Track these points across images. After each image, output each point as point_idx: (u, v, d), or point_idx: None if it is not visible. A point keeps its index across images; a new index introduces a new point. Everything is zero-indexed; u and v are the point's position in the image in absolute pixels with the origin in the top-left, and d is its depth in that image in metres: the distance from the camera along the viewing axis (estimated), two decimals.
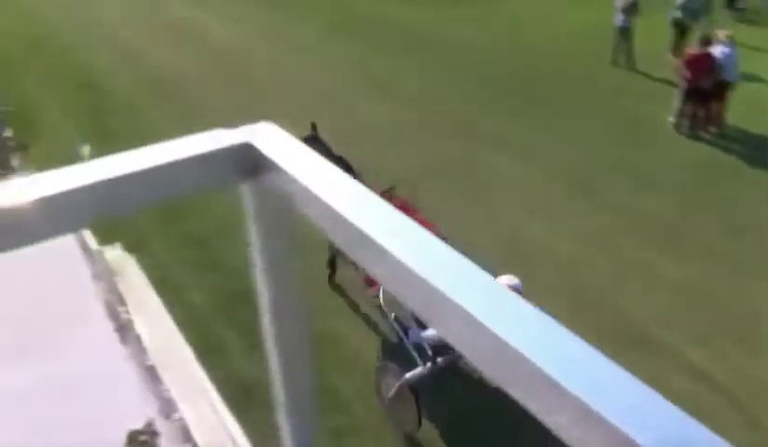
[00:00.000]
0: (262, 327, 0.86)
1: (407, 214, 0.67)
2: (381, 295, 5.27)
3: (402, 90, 12.81)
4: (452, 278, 0.58)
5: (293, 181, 0.72)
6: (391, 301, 5.12)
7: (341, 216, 0.67)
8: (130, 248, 5.40)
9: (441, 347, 4.74)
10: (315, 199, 0.69)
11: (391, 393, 4.93)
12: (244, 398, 5.15)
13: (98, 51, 16.53)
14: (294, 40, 16.02)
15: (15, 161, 9.93)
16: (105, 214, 0.73)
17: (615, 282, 7.06)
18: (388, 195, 6.03)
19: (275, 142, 0.77)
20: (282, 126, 0.82)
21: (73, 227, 0.72)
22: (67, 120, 13.09)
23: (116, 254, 2.61)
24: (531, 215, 8.40)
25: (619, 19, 12.68)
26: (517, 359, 0.50)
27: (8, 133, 10.45)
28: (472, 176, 9.59)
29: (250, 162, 0.76)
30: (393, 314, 5.11)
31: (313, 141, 6.82)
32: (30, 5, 20.94)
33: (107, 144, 11.56)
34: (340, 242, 0.68)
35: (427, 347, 4.84)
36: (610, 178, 9.33)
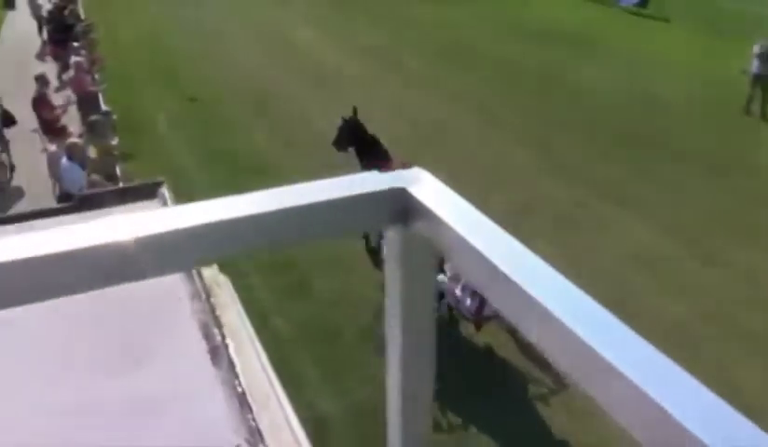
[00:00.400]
0: (387, 374, 0.87)
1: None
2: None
3: (515, 128, 12.73)
4: (619, 349, 0.58)
5: (447, 230, 0.73)
6: None
7: (499, 271, 0.67)
8: (221, 267, 5.91)
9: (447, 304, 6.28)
10: (469, 251, 0.70)
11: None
12: (321, 431, 5.24)
13: (203, 65, 17.58)
14: (405, 67, 16.35)
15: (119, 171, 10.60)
16: (245, 250, 0.75)
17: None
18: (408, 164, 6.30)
19: (429, 188, 0.79)
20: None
21: (208, 261, 0.74)
22: (173, 132, 13.94)
23: (212, 274, 2.69)
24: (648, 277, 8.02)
25: (755, 66, 12.20)
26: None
27: (115, 141, 11.20)
28: (582, 227, 9.32)
29: (401, 207, 0.79)
30: None
31: (352, 123, 8.53)
32: (146, 21, 22.76)
33: (212, 166, 12.17)
34: (493, 298, 0.67)
35: None
36: (742, 242, 8.80)
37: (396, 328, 0.85)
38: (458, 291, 7.32)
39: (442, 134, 12.22)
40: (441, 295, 7.12)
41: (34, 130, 11.34)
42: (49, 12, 21.16)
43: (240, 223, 0.74)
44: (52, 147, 10.26)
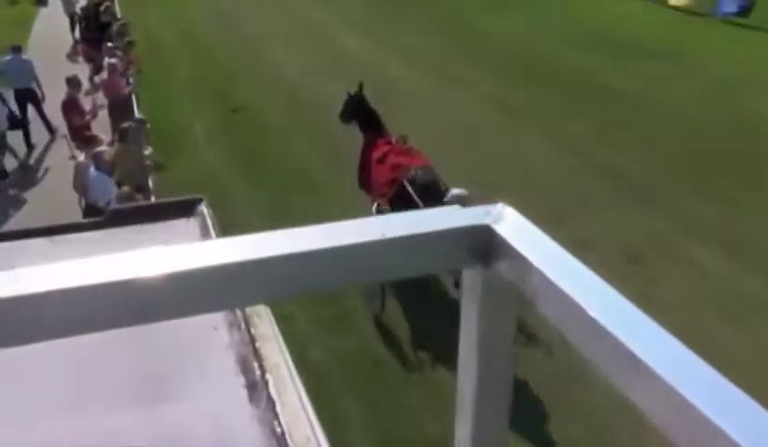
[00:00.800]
0: (456, 425, 0.87)
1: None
2: (374, 210, 8.46)
3: (591, 152, 12.56)
4: (731, 415, 0.59)
5: (534, 272, 0.73)
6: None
7: (595, 322, 0.67)
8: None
9: None
10: (560, 297, 0.70)
11: None
12: None
13: (246, 69, 17.95)
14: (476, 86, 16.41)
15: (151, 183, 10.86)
16: (302, 291, 0.75)
17: None
18: (402, 139, 9.53)
19: (514, 226, 0.79)
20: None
21: (258, 301, 0.74)
22: (212, 142, 14.24)
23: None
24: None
25: None
26: None
27: (148, 151, 11.51)
28: (666, 271, 9.07)
29: (483, 245, 0.79)
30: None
31: (357, 98, 10.14)
32: (187, 19, 23.44)
33: (252, 173, 12.38)
34: (586, 349, 0.67)
35: None
36: None
37: (470, 377, 0.84)
38: None
39: (509, 156, 12.21)
40: None
41: (63, 136, 11.75)
42: (83, 9, 21.87)
43: (297, 260, 0.71)
44: (80, 156, 10.58)
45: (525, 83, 16.31)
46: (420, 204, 7.98)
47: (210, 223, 3.03)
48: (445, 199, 7.95)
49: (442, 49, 19.40)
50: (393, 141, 9.63)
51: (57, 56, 20.22)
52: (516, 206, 0.81)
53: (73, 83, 12.96)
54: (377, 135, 9.83)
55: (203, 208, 3.16)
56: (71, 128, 12.35)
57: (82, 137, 10.83)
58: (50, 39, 20.45)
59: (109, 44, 15.77)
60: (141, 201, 8.66)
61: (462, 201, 7.13)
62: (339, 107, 10.59)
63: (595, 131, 13.72)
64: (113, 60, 14.11)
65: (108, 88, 13.75)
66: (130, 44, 16.77)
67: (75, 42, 21.96)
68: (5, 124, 13.50)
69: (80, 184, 10.01)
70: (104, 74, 14.14)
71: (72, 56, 21.20)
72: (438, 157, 9.64)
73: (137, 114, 12.58)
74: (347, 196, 10.57)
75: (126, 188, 8.77)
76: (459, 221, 0.80)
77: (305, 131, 14.67)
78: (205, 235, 2.97)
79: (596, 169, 12.17)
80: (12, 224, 10.85)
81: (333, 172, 12.43)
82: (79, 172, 9.98)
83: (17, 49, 15.80)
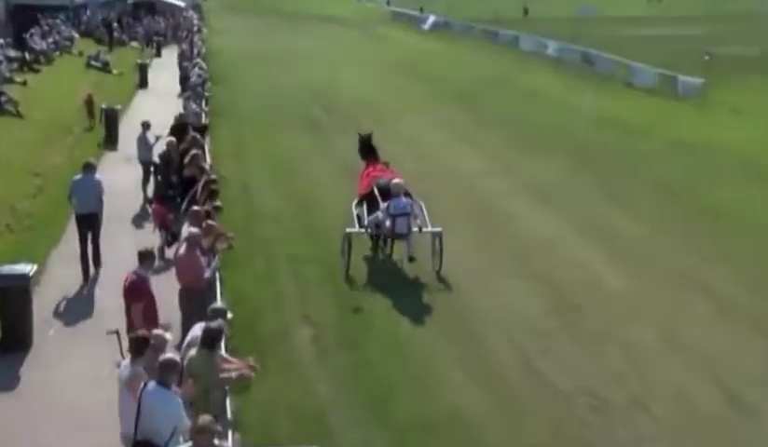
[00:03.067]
0: None
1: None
2: (354, 206, 20.90)
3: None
4: None
5: None
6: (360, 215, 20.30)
7: None
8: None
9: (377, 226, 19.65)
10: None
11: (341, 242, 19.45)
12: None
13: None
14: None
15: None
16: None
17: None
18: (385, 164, 22.00)
19: None
20: None
21: None
22: (319, 358, 14.61)
23: None
24: None
25: None
26: None
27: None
28: None
29: None
30: (357, 213, 20.58)
31: (366, 138, 23.07)
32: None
33: None
34: None
35: (365, 220, 20.06)
36: None
37: None
38: (380, 215, 19.43)
39: None
40: (377, 225, 19.69)
41: (113, 332, 12.19)
42: (161, 156, 23.32)
43: None
44: (125, 363, 10.65)
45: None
46: (380, 199, 19.71)
47: None
48: (391, 191, 19.67)
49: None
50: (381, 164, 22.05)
51: (121, 222, 21.61)
52: None
53: (147, 259, 13.06)
54: (372, 161, 22.21)
55: None
56: (130, 322, 12.53)
57: (138, 344, 10.71)
58: (115, 198, 21.61)
59: (194, 208, 16.25)
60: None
61: (400, 188, 19.67)
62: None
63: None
64: (194, 231, 14.70)
65: (184, 269, 14.22)
66: (218, 209, 17.50)
67: (147, 200, 23.33)
68: None
69: (125, 414, 9.94)
70: (182, 250, 14.45)
71: (139, 219, 22.57)
72: None
73: (219, 303, 12.90)
74: None
75: (206, 418, 8.76)
76: None
77: (463, 360, 14.98)
78: None
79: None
80: None
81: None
82: (134, 387, 9.92)
83: (90, 168, 19.21)
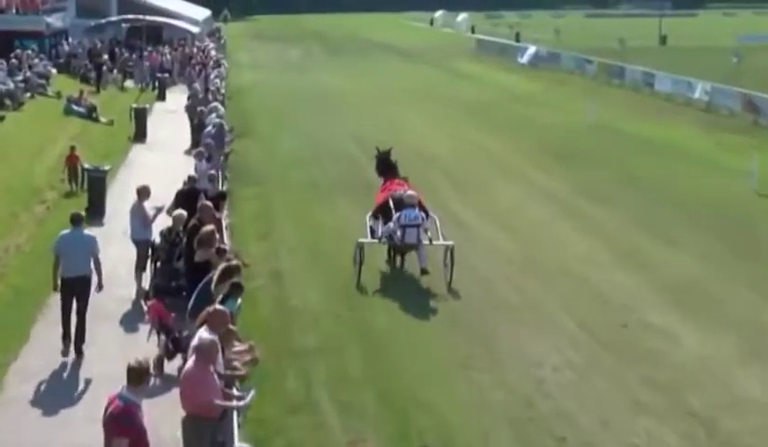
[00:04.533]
0: None
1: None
2: (368, 218, 28.45)
3: None
4: None
5: None
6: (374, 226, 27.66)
7: None
8: None
9: (390, 236, 27.07)
10: None
11: (354, 251, 26.72)
12: None
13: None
14: None
15: None
16: None
17: None
18: (404, 179, 29.79)
19: None
20: None
21: None
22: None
23: None
24: None
25: None
26: None
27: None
28: None
29: None
30: (370, 225, 27.97)
31: (383, 154, 31.44)
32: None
33: None
34: None
35: (379, 232, 27.29)
36: None
37: None
38: (391, 226, 26.51)
39: None
40: (390, 236, 26.97)
41: None
42: (163, 234, 23.47)
43: None
44: None
45: None
46: (393, 210, 26.62)
47: None
48: (404, 202, 26.67)
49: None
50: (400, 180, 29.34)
51: (105, 323, 21.56)
52: None
53: (139, 378, 12.13)
54: (390, 177, 29.59)
55: None
56: None
57: None
58: (102, 295, 21.32)
59: (216, 307, 15.70)
60: None
61: (413, 199, 26.81)
62: None
63: None
64: (209, 337, 14.35)
65: (191, 389, 13.87)
66: (237, 310, 17.29)
67: (142, 293, 23.26)
68: None
69: None
70: (190, 363, 14.09)
71: (130, 319, 22.44)
72: None
73: (238, 442, 12.78)
74: None
75: None
76: None
77: None
78: None
79: None
80: None
81: None
82: None
83: (78, 221, 20.61)
